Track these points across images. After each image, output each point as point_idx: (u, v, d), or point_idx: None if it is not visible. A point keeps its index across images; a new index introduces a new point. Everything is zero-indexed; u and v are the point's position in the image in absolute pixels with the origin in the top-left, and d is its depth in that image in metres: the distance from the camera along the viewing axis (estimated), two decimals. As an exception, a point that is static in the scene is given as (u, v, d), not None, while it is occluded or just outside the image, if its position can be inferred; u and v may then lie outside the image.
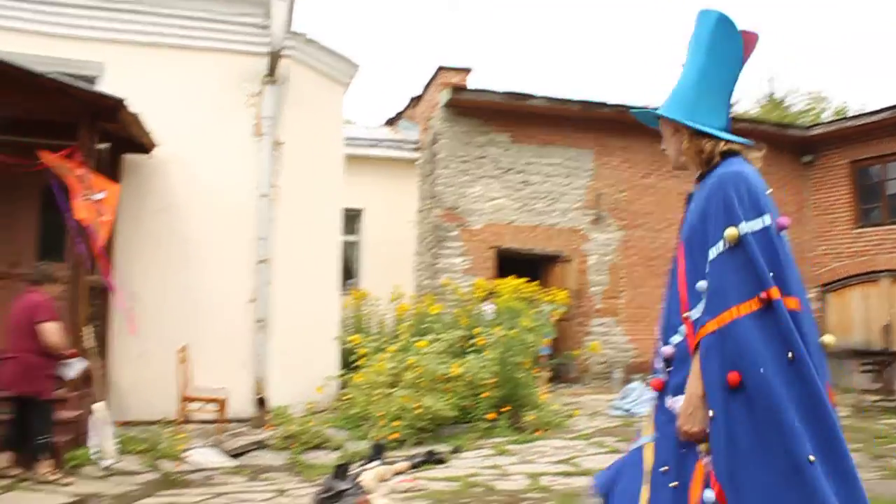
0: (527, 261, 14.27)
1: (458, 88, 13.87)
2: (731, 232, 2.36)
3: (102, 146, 8.36)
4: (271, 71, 9.65)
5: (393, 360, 8.90)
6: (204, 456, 7.69)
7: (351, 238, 15.27)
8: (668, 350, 2.58)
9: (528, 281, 10.76)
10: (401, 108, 17.96)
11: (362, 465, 6.88)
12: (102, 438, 7.21)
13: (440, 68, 14.72)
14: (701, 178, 2.64)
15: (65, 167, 7.41)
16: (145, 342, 8.66)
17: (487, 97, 13.90)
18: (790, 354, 2.25)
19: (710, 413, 2.32)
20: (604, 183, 14.48)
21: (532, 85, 48.83)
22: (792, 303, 2.31)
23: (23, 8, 9.15)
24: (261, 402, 9.02)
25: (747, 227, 2.36)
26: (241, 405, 8.93)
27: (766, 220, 2.39)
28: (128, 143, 8.69)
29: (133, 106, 7.74)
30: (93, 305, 8.06)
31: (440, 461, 7.23)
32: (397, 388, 8.53)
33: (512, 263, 13.47)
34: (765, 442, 2.23)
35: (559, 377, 13.58)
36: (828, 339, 2.38)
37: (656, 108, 2.73)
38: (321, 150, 10.40)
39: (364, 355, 9.31)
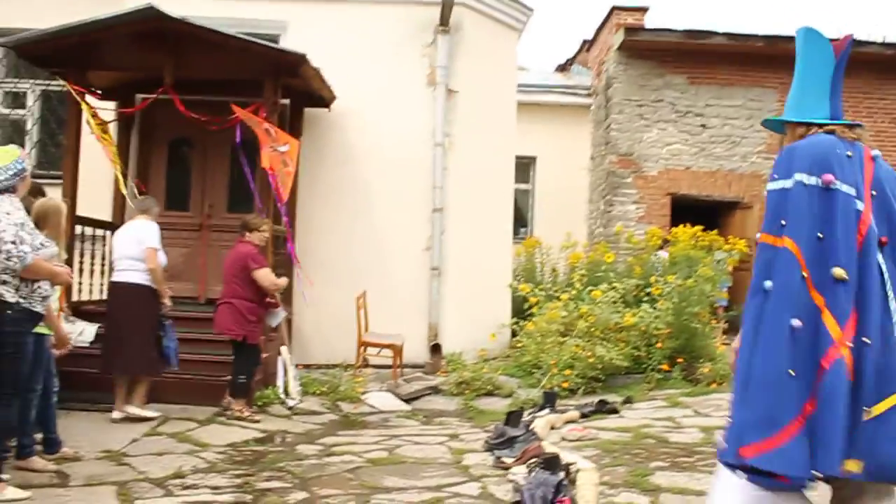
0: (704, 208, 13.76)
1: (633, 29, 13.42)
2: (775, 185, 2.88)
3: (284, 101, 8.78)
4: (444, 20, 9.72)
5: (565, 308, 8.91)
6: (380, 399, 8.07)
7: (523, 186, 15.28)
8: None
9: (706, 229, 10.40)
10: (573, 53, 17.65)
11: (534, 412, 6.99)
12: (287, 380, 7.71)
13: (613, 8, 14.27)
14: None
15: (253, 120, 7.84)
16: (328, 289, 9.11)
17: (664, 37, 13.37)
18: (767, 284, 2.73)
19: None
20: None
21: (711, 21, 46.51)
22: (789, 243, 2.71)
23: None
24: (435, 349, 9.31)
25: (768, 185, 2.93)
26: (415, 351, 9.26)
27: (787, 183, 2.82)
28: (308, 97, 9.06)
29: (314, 61, 8.06)
30: (277, 254, 8.54)
31: (612, 411, 7.22)
32: (569, 337, 8.56)
33: (688, 211, 13.03)
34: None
35: (736, 328, 13.09)
36: (838, 272, 2.66)
37: (779, 118, 3.28)
38: (494, 97, 10.42)
39: (536, 303, 9.37)
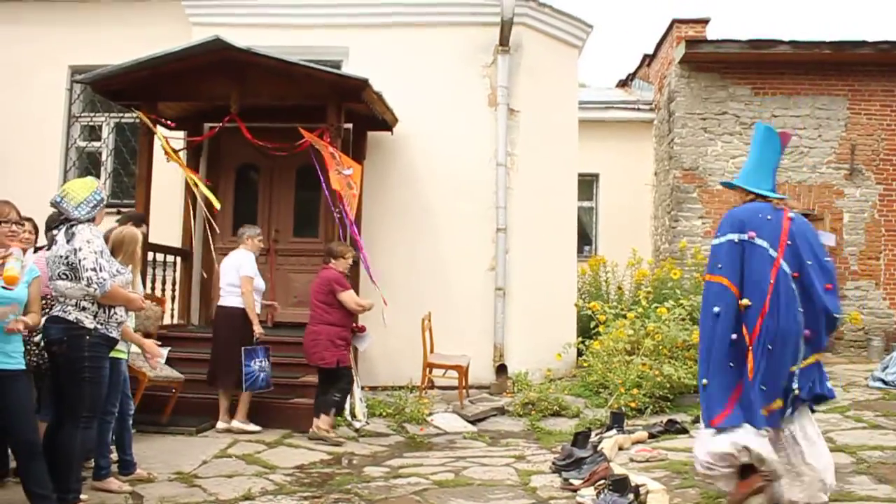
0: (773, 221, 13.46)
1: (694, 42, 13.27)
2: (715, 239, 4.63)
3: (347, 126, 8.92)
4: (503, 40, 9.77)
5: (632, 326, 8.81)
6: (446, 420, 8.07)
7: (587, 204, 15.19)
8: None
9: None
10: (633, 68, 17.52)
11: (601, 433, 6.92)
12: (353, 402, 7.78)
13: (674, 21, 14.12)
14: None
15: (320, 143, 7.99)
16: (393, 310, 9.16)
17: (726, 48, 13.17)
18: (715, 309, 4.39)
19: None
20: (859, 132, 13.29)
21: (775, 30, 45.69)
22: (724, 280, 4.41)
23: (276, 4, 9.93)
24: (500, 369, 9.29)
25: (713, 241, 4.62)
26: (481, 372, 9.26)
27: (722, 240, 4.51)
28: (371, 121, 9.19)
29: (375, 85, 8.19)
30: (347, 277, 8.63)
31: (682, 431, 7.10)
32: (636, 356, 8.46)
33: (756, 224, 12.77)
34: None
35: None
36: (744, 302, 4.38)
37: (733, 181, 4.89)
38: (555, 115, 10.41)
39: (603, 322, 9.28)
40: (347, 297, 7.31)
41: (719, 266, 4.45)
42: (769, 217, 4.47)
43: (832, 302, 4.46)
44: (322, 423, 7.09)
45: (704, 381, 4.38)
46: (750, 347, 4.29)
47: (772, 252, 4.37)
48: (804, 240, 4.46)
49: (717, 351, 4.34)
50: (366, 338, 7.65)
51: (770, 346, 4.27)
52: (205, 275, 9.39)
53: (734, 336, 4.31)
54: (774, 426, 4.34)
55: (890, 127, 13.27)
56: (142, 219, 7.59)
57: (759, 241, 4.40)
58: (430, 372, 8.70)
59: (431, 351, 8.83)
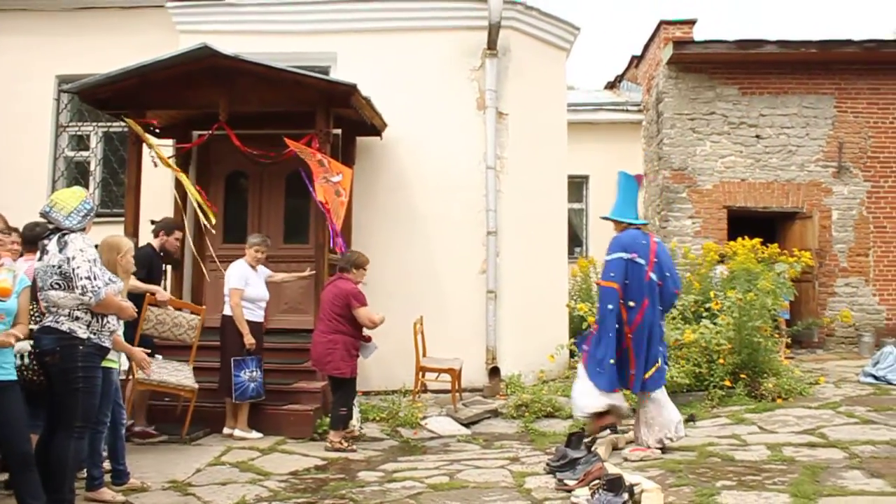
0: (761, 220, 13.55)
1: (682, 42, 13.34)
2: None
3: (336, 131, 8.92)
4: (491, 44, 9.79)
5: (623, 327, 8.82)
6: (440, 424, 8.07)
7: (577, 206, 15.24)
8: None
9: (764, 241, 10.22)
10: (621, 70, 17.58)
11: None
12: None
13: (661, 23, 14.20)
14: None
15: (306, 152, 7.99)
16: (383, 314, 9.16)
17: (713, 49, 13.27)
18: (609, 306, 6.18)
19: None
20: (846, 131, 13.37)
21: (761, 30, 45.90)
22: (614, 285, 6.17)
23: (263, 11, 9.93)
24: (493, 372, 9.30)
25: (605, 256, 6.34)
26: (474, 374, 9.26)
27: (613, 256, 6.26)
28: (360, 126, 9.19)
29: (364, 90, 8.19)
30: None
31: (675, 430, 7.10)
32: (628, 356, 8.46)
33: (745, 223, 12.84)
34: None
35: (800, 342, 12.84)
36: (630, 304, 6.26)
37: (609, 216, 6.64)
38: (544, 118, 10.44)
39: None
40: (364, 312, 7.22)
41: (612, 275, 6.25)
42: (643, 242, 6.38)
43: (675, 301, 6.99)
44: (334, 437, 7.08)
45: (612, 360, 6.15)
46: (630, 335, 6.20)
47: (646, 268, 6.25)
48: (665, 257, 6.47)
49: (612, 336, 6.17)
50: (371, 348, 7.57)
51: (648, 333, 6.21)
52: (207, 279, 9.34)
53: (618, 326, 6.18)
54: (645, 390, 6.29)
55: (876, 125, 13.36)
56: (175, 226, 7.70)
57: (638, 260, 6.26)
58: (423, 376, 8.70)
59: (424, 355, 8.83)
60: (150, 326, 7.10)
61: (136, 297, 6.99)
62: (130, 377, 6.58)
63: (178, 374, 7.00)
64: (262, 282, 7.65)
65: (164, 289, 7.79)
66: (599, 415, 6.36)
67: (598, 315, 6.35)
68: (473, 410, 8.38)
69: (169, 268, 9.11)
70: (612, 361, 6.15)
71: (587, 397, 6.33)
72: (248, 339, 7.29)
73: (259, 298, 7.56)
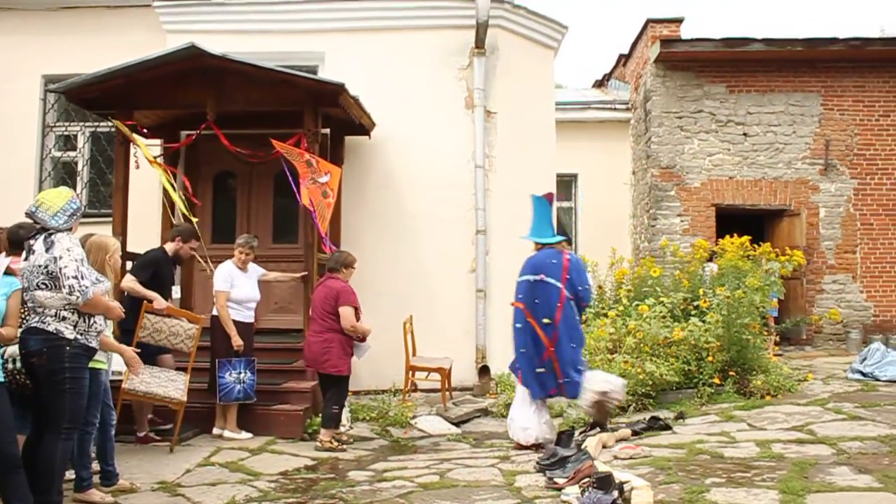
0: (749, 217, 13.60)
1: (669, 41, 13.37)
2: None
3: (325, 131, 8.91)
4: (479, 43, 9.80)
5: (613, 325, 8.85)
6: (430, 423, 8.07)
7: (566, 204, 15.26)
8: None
9: (752, 239, 10.26)
10: (609, 68, 17.61)
11: (585, 431, 6.93)
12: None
13: (648, 21, 14.24)
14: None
15: (293, 153, 7.97)
16: (373, 314, 9.15)
17: (700, 47, 13.31)
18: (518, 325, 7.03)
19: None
20: (833, 128, 13.44)
21: (748, 28, 46.06)
22: (521, 305, 6.91)
23: (251, 10, 9.90)
24: (483, 371, 9.31)
25: (518, 279, 7.05)
26: (464, 374, 9.27)
27: (521, 279, 6.98)
28: (348, 126, 9.18)
29: (352, 90, 8.18)
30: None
31: (665, 427, 7.13)
32: (618, 354, 8.49)
33: (734, 221, 12.90)
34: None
35: (788, 339, 12.90)
36: (545, 320, 6.90)
37: (527, 236, 7.16)
38: (532, 116, 10.44)
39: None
40: (347, 313, 7.15)
41: (519, 296, 6.96)
42: (554, 261, 6.93)
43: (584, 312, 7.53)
44: (325, 436, 7.05)
45: (518, 368, 7.04)
46: (552, 349, 6.80)
47: (558, 286, 6.82)
48: (576, 274, 6.96)
49: (519, 356, 7.02)
50: (365, 348, 7.49)
51: (573, 345, 6.86)
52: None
53: (534, 342, 6.89)
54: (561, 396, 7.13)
55: (863, 122, 13.44)
56: (195, 235, 7.67)
57: (548, 280, 6.85)
58: (413, 375, 8.70)
59: (413, 354, 8.83)
60: (146, 334, 7.02)
61: (136, 301, 6.98)
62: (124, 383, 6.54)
63: (168, 385, 6.84)
64: (250, 282, 7.58)
65: (174, 294, 7.74)
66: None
67: (514, 332, 7.08)
68: (463, 409, 8.39)
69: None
70: (538, 371, 6.87)
71: (530, 427, 6.92)
72: (236, 341, 7.24)
73: (246, 300, 7.50)
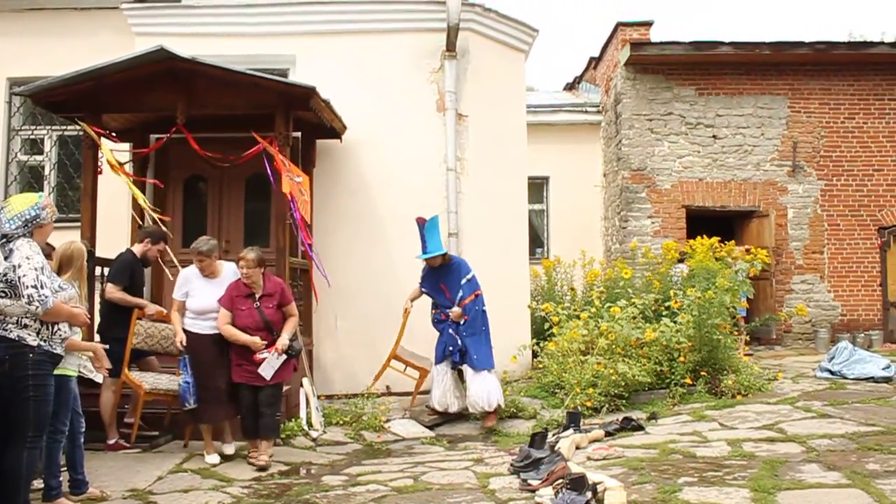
0: (720, 219, 13.74)
1: (639, 44, 13.48)
2: (469, 276, 8.32)
3: (296, 135, 8.86)
4: (450, 46, 9.81)
5: (586, 326, 8.89)
6: (403, 427, 8.06)
7: (537, 206, 15.31)
8: (455, 310, 8.24)
9: (722, 239, 10.35)
10: (580, 71, 17.71)
11: (558, 433, 6.96)
12: (310, 411, 7.71)
13: (618, 24, 14.35)
14: (441, 265, 8.39)
15: (271, 150, 7.93)
16: (346, 318, 9.15)
17: (670, 50, 13.44)
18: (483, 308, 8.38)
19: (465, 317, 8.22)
20: (800, 130, 13.63)
21: (717, 32, 46.55)
22: (479, 292, 8.38)
23: (221, 13, 9.83)
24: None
25: (468, 277, 8.32)
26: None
27: (470, 275, 8.36)
28: (320, 129, 9.13)
29: (323, 93, 8.15)
30: (295, 286, 8.58)
31: (638, 428, 7.18)
32: (591, 355, 8.52)
33: (704, 222, 13.02)
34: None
35: (758, 339, 13.04)
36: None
37: (435, 253, 8.24)
38: (504, 119, 10.44)
39: (556, 323, 9.35)
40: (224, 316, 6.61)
41: (478, 284, 8.38)
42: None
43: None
44: (264, 448, 6.61)
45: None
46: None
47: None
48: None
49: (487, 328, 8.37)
50: (272, 362, 6.56)
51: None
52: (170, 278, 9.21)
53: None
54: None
55: (829, 124, 13.64)
56: (163, 237, 7.49)
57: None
58: (392, 363, 8.58)
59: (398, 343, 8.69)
60: (139, 340, 6.97)
61: (122, 309, 6.88)
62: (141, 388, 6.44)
63: (173, 384, 6.89)
64: (212, 291, 6.71)
65: (146, 295, 7.59)
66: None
67: (481, 317, 8.32)
68: (437, 414, 8.36)
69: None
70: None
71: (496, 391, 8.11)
72: (178, 337, 6.65)
73: (202, 310, 6.68)
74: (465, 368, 8.18)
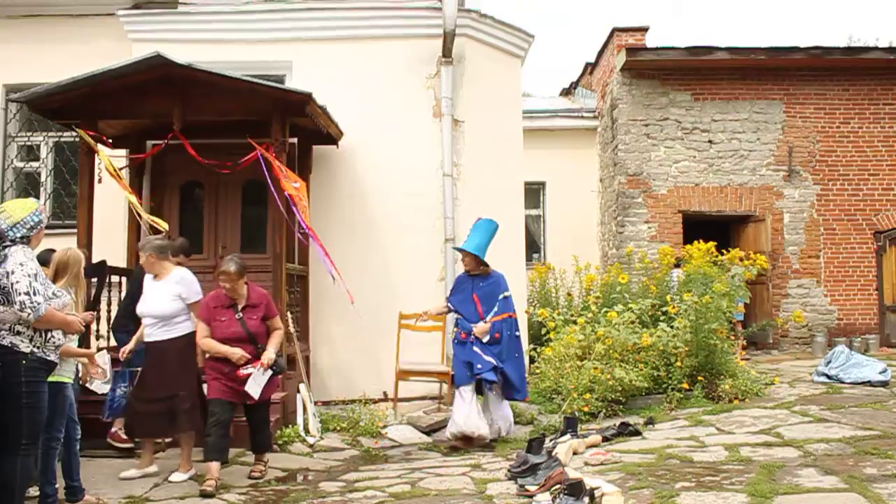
0: (716, 223, 13.77)
1: (634, 49, 13.51)
2: (508, 293, 7.78)
3: (292, 141, 8.87)
4: (446, 52, 9.82)
5: (582, 332, 8.89)
6: (401, 433, 8.05)
7: (534, 212, 15.33)
8: (482, 325, 7.59)
9: (718, 244, 10.37)
10: (576, 77, 17.74)
11: (555, 438, 6.94)
12: (307, 417, 7.71)
13: (614, 30, 14.39)
14: (479, 274, 7.87)
15: (268, 156, 7.93)
16: (342, 323, 9.13)
17: (665, 55, 13.48)
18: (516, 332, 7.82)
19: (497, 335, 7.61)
20: (796, 135, 13.66)
21: (712, 37, 46.62)
22: (514, 314, 7.83)
23: (217, 20, 9.84)
24: (453, 379, 9.26)
25: (505, 294, 7.76)
26: (434, 383, 9.22)
27: (507, 293, 7.83)
28: (316, 135, 9.14)
29: (320, 99, 8.15)
30: (292, 292, 8.58)
31: (635, 433, 7.17)
32: (588, 360, 8.52)
33: (700, 227, 13.05)
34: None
35: (755, 343, 13.05)
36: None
37: (469, 248, 7.79)
38: (500, 125, 10.45)
39: (553, 328, 9.35)
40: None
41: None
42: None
43: None
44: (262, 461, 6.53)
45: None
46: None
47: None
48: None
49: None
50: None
51: None
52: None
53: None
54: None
55: (824, 129, 13.67)
56: (181, 248, 7.37)
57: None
58: (404, 379, 8.58)
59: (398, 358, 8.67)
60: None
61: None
62: None
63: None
64: (156, 294, 6.34)
65: None
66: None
67: (515, 342, 7.78)
68: (434, 418, 8.37)
69: (124, 280, 8.95)
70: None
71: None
72: (124, 348, 6.58)
73: (142, 314, 6.42)
74: (489, 394, 7.65)
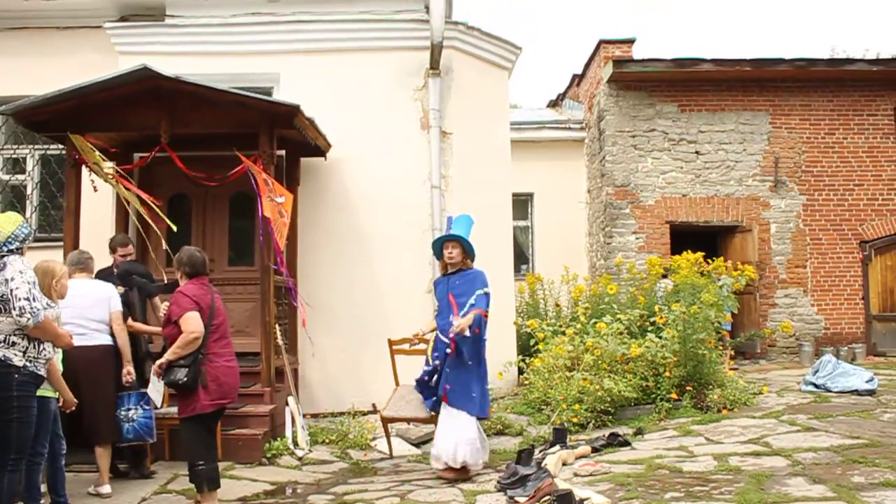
0: (703, 234, 13.83)
1: (621, 61, 13.58)
2: (487, 290, 6.86)
3: (280, 153, 8.86)
4: (434, 63, 9.83)
5: (571, 342, 8.89)
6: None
7: (522, 223, 15.34)
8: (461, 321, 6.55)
9: (706, 255, 10.40)
10: (563, 88, 17.81)
11: (545, 449, 6.94)
12: (295, 430, 7.67)
13: (601, 42, 14.47)
14: (456, 271, 6.99)
15: (255, 169, 7.91)
16: (331, 335, 9.10)
17: (652, 67, 13.55)
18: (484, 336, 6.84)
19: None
20: (781, 146, 13.75)
21: (698, 49, 46.94)
22: (486, 315, 6.82)
23: (205, 32, 9.83)
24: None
25: (485, 290, 6.82)
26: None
27: (487, 289, 6.89)
28: (304, 147, 9.13)
29: (307, 111, 8.15)
30: (280, 305, 8.55)
31: (624, 443, 7.18)
32: (577, 371, 8.52)
33: (688, 238, 13.10)
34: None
35: (743, 353, 13.09)
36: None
37: (457, 236, 7.03)
38: (488, 136, 10.48)
39: (542, 339, 9.35)
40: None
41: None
42: None
43: None
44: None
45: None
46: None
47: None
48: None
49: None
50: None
51: None
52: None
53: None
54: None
55: (809, 140, 13.77)
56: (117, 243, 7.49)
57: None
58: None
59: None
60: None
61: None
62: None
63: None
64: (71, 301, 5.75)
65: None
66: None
67: (477, 345, 6.78)
68: (423, 430, 8.33)
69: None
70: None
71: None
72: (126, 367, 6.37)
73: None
74: (444, 406, 6.70)
